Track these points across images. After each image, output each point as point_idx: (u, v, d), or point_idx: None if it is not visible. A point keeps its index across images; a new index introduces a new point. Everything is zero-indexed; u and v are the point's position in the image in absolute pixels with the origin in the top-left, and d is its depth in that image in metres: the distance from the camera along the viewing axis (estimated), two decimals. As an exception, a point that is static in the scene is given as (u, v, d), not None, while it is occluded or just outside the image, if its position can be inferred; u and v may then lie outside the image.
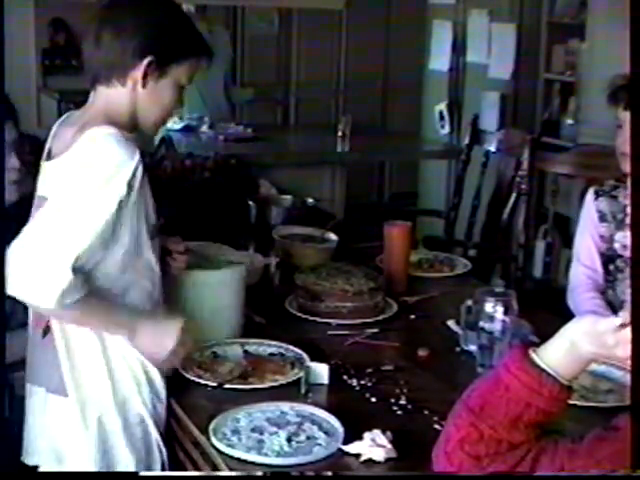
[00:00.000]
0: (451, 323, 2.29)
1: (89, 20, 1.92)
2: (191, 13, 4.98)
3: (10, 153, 2.14)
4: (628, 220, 2.46)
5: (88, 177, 1.74)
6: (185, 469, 1.82)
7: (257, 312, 2.30)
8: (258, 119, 6.11)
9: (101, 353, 1.84)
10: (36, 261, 1.68)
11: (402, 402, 1.88)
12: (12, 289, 1.69)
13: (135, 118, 1.90)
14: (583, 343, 1.35)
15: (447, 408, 1.83)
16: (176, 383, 1.94)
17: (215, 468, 1.67)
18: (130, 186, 1.76)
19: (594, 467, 1.28)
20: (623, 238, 2.46)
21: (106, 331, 1.84)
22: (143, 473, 1.83)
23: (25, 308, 1.90)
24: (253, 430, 1.72)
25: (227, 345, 2.10)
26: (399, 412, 1.85)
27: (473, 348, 2.09)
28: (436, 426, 1.76)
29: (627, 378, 1.88)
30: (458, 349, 2.17)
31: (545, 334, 2.23)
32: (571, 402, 1.88)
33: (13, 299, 1.71)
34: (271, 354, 2.08)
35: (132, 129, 1.89)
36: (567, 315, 2.49)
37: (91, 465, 1.83)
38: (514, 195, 3.45)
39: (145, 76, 1.85)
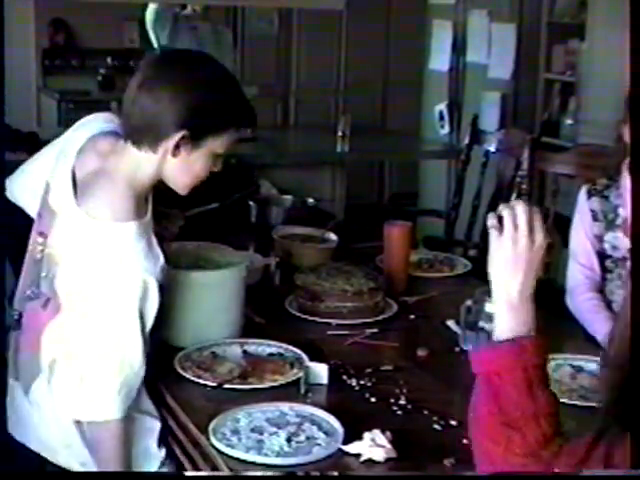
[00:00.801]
0: (451, 323, 2.29)
1: (136, 73, 1.82)
2: (196, 14, 5.00)
3: None
4: (619, 221, 2.45)
5: (105, 282, 1.74)
6: (185, 469, 1.81)
7: (257, 312, 2.30)
8: (258, 119, 6.10)
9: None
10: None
11: (402, 402, 1.88)
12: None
13: (159, 179, 1.86)
14: (502, 290, 1.40)
15: (447, 408, 1.84)
16: (176, 383, 1.94)
17: (215, 468, 1.67)
18: (142, 301, 1.77)
19: None
20: (613, 239, 2.45)
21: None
22: (144, 473, 1.83)
23: None
24: (253, 430, 1.72)
25: (226, 345, 2.10)
26: (399, 412, 1.84)
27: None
28: (436, 426, 1.77)
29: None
30: (458, 349, 2.16)
31: (545, 334, 2.24)
32: (571, 402, 1.90)
33: None
34: (270, 354, 2.08)
35: (152, 187, 1.86)
36: (567, 315, 2.49)
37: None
38: (514, 195, 3.45)
39: (177, 147, 1.79)
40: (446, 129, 5.87)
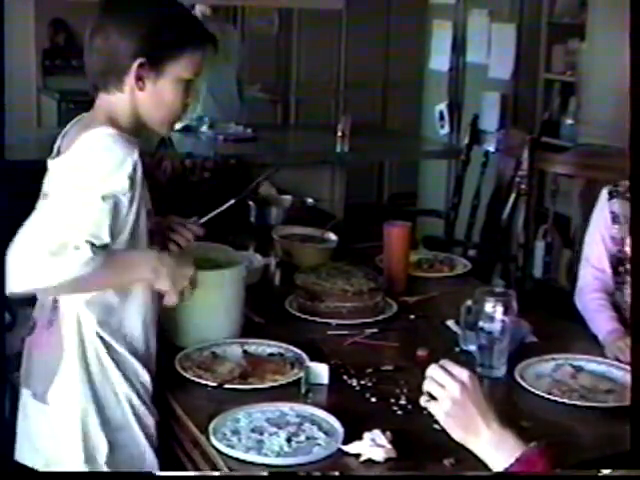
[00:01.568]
0: (451, 323, 2.29)
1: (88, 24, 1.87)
2: (206, 15, 5.02)
3: None
4: None
5: (89, 173, 1.72)
6: (185, 469, 1.82)
7: (257, 312, 2.30)
8: (258, 119, 6.11)
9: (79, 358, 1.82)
10: (49, 243, 1.66)
11: (402, 402, 1.88)
12: (28, 279, 1.65)
13: (140, 121, 1.87)
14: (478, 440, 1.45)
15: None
16: (176, 383, 1.94)
17: (215, 468, 1.67)
18: (132, 180, 1.73)
19: None
20: None
21: (128, 282, 1.81)
22: (143, 473, 1.83)
23: None
24: (253, 430, 1.72)
25: (227, 345, 2.10)
26: (399, 412, 1.85)
27: (472, 348, 2.09)
28: (436, 426, 1.76)
29: (627, 378, 1.89)
30: (457, 349, 2.17)
31: (545, 334, 2.25)
32: (571, 402, 1.90)
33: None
34: (271, 354, 2.08)
35: (137, 133, 1.86)
36: (566, 315, 2.49)
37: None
38: (514, 195, 3.45)
39: (139, 79, 1.80)
40: (446, 129, 5.87)
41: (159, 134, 1.95)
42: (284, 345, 2.11)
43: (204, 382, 1.93)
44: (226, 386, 1.91)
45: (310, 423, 1.74)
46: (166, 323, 2.03)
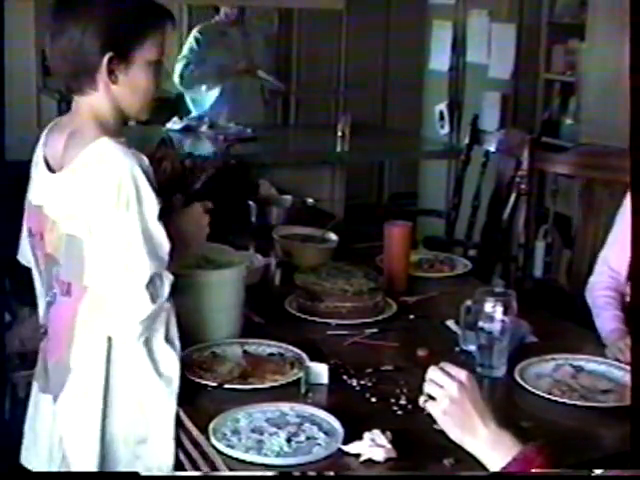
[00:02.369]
0: (450, 323, 2.29)
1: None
2: (227, 19, 5.07)
3: None
4: None
5: (125, 196, 1.73)
6: (185, 469, 1.82)
7: (257, 312, 2.30)
8: (258, 119, 6.10)
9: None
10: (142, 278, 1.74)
11: (402, 402, 1.88)
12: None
13: (122, 114, 1.87)
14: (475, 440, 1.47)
15: (447, 408, 1.83)
16: (176, 383, 1.94)
17: (215, 468, 1.67)
18: (154, 188, 1.77)
19: None
20: None
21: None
22: (143, 473, 1.83)
23: None
24: (253, 430, 1.72)
25: (226, 345, 2.10)
26: (399, 412, 1.85)
27: (472, 348, 2.09)
28: (436, 426, 1.76)
29: (627, 378, 1.89)
30: (457, 349, 2.17)
31: (545, 334, 2.25)
32: (571, 402, 1.90)
33: None
34: (270, 354, 2.08)
35: (124, 125, 1.89)
36: (566, 315, 2.49)
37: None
38: (514, 195, 3.45)
39: (111, 73, 1.80)
40: (446, 129, 5.87)
41: (139, 119, 1.94)
42: (284, 345, 2.11)
43: (204, 382, 1.92)
44: (226, 386, 1.91)
45: (310, 423, 1.74)
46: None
